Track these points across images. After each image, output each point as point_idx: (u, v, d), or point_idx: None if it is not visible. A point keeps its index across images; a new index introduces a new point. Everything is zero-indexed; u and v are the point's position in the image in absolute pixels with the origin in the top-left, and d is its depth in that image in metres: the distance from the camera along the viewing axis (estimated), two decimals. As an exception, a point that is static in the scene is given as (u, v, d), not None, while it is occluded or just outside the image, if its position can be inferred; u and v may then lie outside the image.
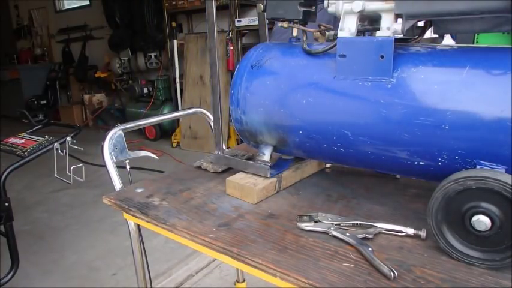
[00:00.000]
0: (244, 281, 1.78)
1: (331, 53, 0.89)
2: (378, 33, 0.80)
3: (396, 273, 0.67)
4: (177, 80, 5.26)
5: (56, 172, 1.74)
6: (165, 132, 5.63)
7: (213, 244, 0.82)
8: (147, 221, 0.95)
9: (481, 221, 0.68)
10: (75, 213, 3.48)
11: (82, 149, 1.81)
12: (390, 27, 0.78)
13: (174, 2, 5.11)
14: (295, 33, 1.02)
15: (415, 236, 0.80)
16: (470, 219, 0.69)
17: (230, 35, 4.59)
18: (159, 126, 5.55)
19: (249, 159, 1.15)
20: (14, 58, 8.82)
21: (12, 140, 2.04)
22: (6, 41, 8.96)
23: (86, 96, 6.89)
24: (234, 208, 0.97)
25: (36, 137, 2.02)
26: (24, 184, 4.19)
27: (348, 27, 0.84)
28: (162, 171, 3.40)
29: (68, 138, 1.83)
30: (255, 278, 0.78)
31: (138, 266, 1.16)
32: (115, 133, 1.21)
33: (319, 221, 0.85)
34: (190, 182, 1.14)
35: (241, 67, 1.03)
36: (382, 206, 0.95)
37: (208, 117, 1.49)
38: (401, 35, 0.79)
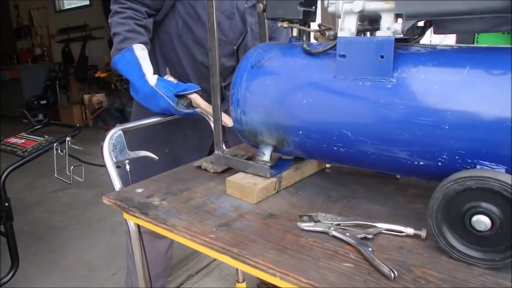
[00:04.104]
0: (244, 281, 1.78)
1: (331, 53, 0.89)
2: (378, 33, 0.80)
3: (396, 273, 0.67)
4: (177, 80, 5.24)
5: (56, 172, 1.74)
6: (165, 132, 5.62)
7: (213, 244, 0.82)
8: (147, 221, 0.95)
9: (481, 221, 0.68)
10: (75, 213, 3.48)
11: (82, 149, 1.81)
12: (390, 27, 0.78)
13: (174, 2, 5.10)
14: (295, 33, 1.02)
15: (415, 236, 0.79)
16: (470, 219, 0.69)
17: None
18: (159, 126, 5.53)
19: (249, 159, 1.15)
20: (14, 58, 8.82)
21: (12, 140, 2.04)
22: (6, 41, 8.96)
23: (86, 96, 6.88)
24: (234, 208, 0.97)
25: (36, 137, 2.02)
26: (24, 184, 4.19)
27: (348, 27, 0.84)
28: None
29: (68, 138, 1.83)
30: (255, 278, 0.78)
31: (138, 266, 1.16)
32: (115, 133, 1.21)
33: (319, 221, 0.85)
34: (190, 182, 1.14)
35: (241, 67, 1.03)
36: (382, 206, 0.95)
37: (208, 117, 1.49)
38: (402, 35, 0.79)
